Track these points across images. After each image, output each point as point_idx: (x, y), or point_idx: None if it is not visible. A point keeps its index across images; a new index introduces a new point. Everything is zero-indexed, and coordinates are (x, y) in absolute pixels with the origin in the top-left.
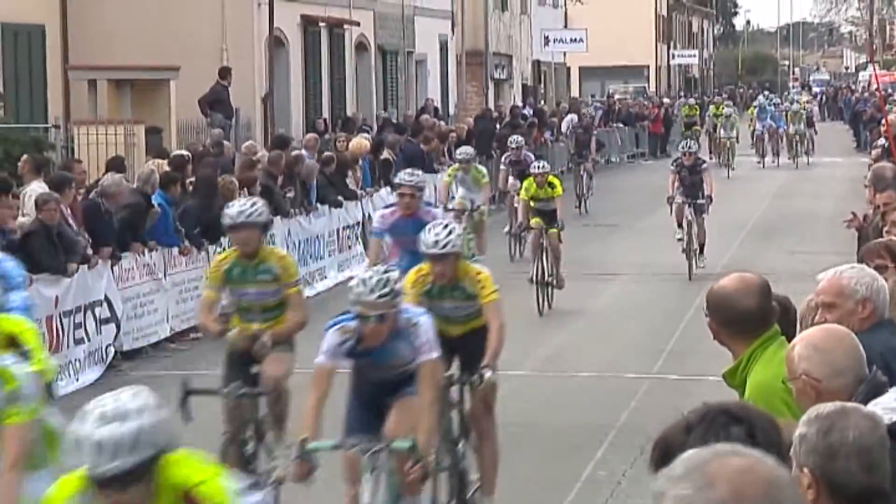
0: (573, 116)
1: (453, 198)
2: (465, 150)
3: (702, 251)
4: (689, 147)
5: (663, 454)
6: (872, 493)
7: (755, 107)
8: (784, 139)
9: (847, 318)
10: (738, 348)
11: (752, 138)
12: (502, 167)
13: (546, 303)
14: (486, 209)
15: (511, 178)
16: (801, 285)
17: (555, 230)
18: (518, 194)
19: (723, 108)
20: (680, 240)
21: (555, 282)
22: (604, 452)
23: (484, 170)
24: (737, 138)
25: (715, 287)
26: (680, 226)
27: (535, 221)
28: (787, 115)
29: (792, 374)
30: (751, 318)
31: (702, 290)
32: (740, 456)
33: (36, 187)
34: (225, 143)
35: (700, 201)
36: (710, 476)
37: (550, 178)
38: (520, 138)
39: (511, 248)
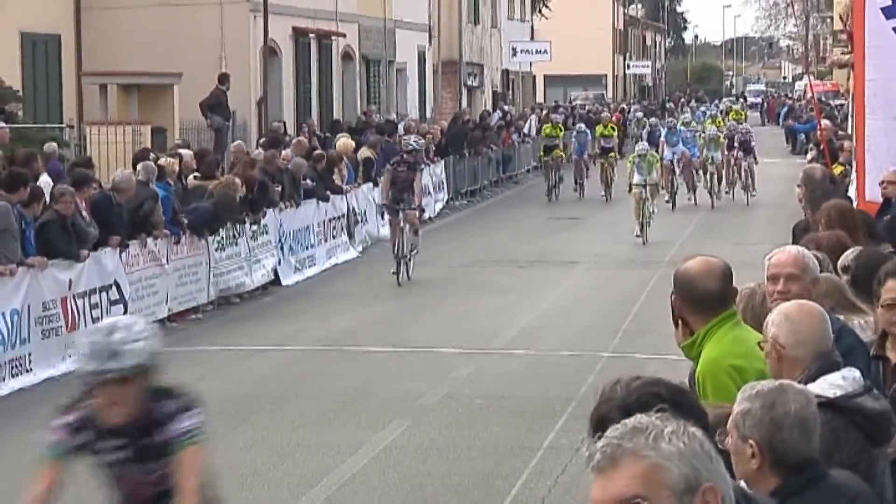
0: (534, 118)
1: None
2: None
3: None
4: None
5: (597, 426)
6: (807, 460)
7: (666, 127)
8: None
9: (806, 292)
10: (696, 324)
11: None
12: None
13: None
14: None
15: None
16: (746, 273)
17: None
18: None
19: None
20: None
21: None
22: (564, 422)
23: None
24: (657, 186)
25: (681, 268)
26: None
27: None
28: (700, 139)
29: (765, 336)
30: (711, 299)
31: (653, 277)
32: None
33: (42, 180)
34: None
35: None
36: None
37: None
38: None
39: None
